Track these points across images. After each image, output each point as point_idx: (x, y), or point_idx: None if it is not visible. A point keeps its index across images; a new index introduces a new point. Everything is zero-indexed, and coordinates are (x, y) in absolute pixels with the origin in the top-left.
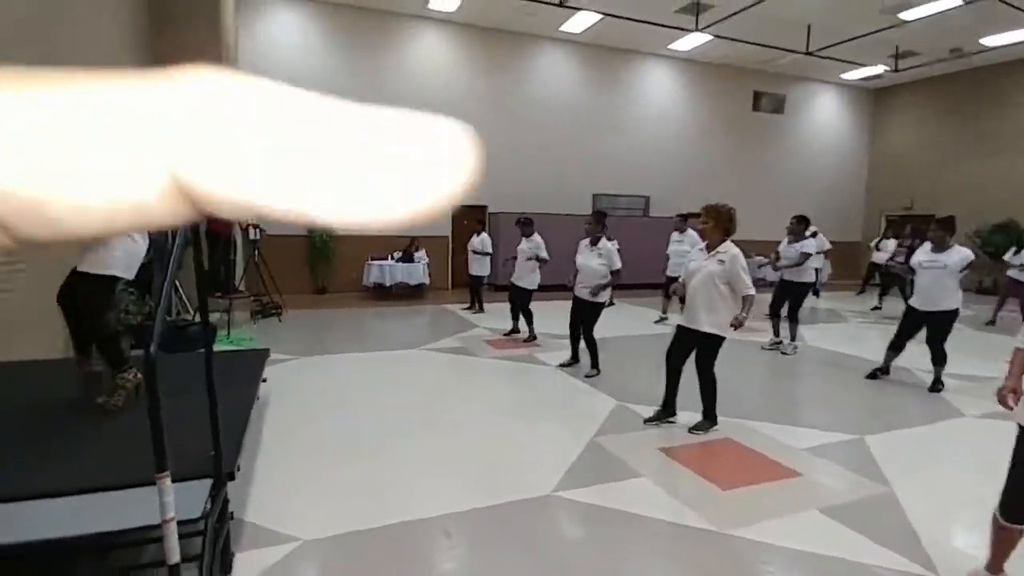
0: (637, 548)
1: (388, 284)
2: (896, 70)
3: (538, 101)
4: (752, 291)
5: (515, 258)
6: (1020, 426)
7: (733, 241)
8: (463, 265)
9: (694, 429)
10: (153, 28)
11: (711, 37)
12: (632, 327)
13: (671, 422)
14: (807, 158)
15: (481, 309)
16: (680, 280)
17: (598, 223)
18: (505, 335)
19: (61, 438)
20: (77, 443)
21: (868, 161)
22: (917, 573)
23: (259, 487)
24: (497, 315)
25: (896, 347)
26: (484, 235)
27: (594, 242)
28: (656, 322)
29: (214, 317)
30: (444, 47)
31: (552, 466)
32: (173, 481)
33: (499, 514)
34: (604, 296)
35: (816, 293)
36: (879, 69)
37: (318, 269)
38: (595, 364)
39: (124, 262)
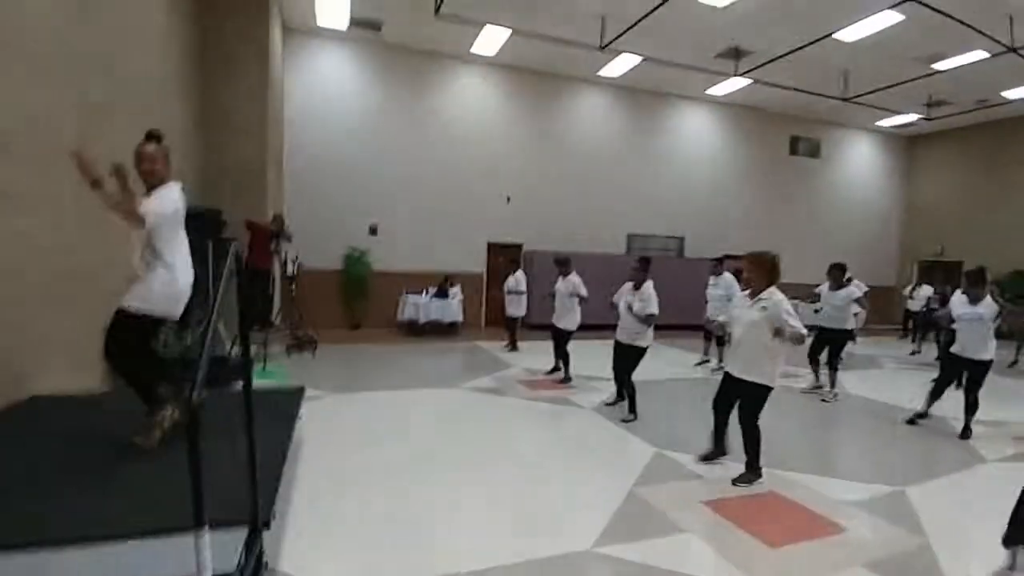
0: None
1: (421, 321)
2: (929, 118)
3: (575, 142)
4: (802, 330)
5: (552, 295)
6: None
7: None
8: (497, 303)
9: (738, 481)
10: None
11: (749, 82)
12: (670, 370)
13: (721, 461)
14: (842, 203)
15: (515, 348)
16: (719, 320)
17: (643, 269)
18: (546, 374)
19: (95, 478)
20: (110, 484)
21: (902, 207)
22: None
23: (292, 533)
24: (531, 354)
25: (937, 393)
26: (520, 273)
27: (637, 287)
28: (697, 364)
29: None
30: (485, 88)
31: (590, 518)
32: (187, 531)
33: (536, 571)
34: (646, 340)
35: (853, 339)
36: (912, 117)
37: (353, 304)
38: (632, 409)
39: (163, 300)
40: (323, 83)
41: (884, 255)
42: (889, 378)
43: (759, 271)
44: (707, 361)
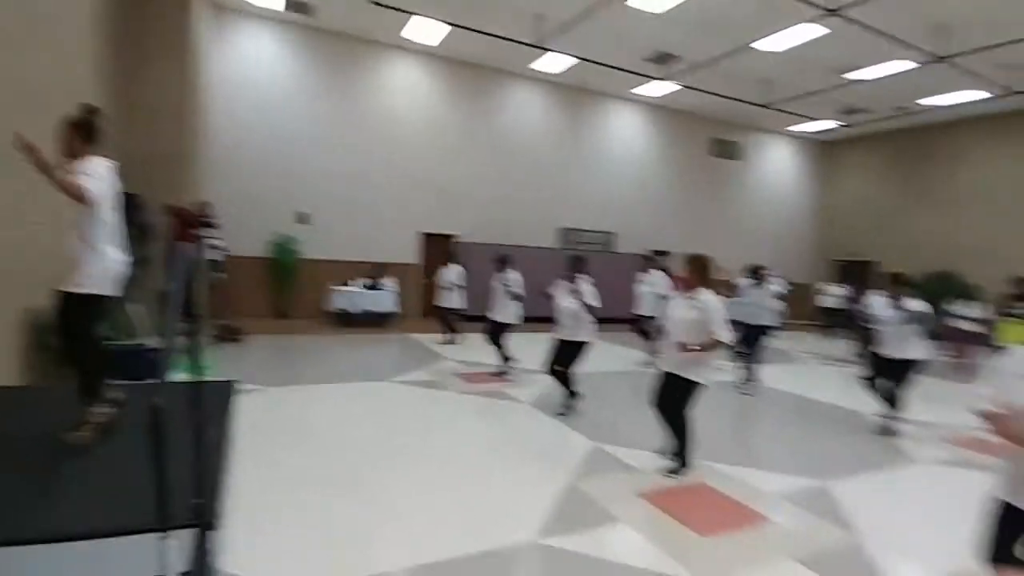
0: None
1: (354, 312)
2: (846, 125)
3: (510, 135)
4: (723, 337)
5: (491, 291)
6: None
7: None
8: (432, 294)
9: (669, 473)
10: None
11: (676, 86)
12: (603, 364)
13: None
14: (761, 203)
15: (452, 341)
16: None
17: (576, 267)
18: (497, 367)
19: (27, 479)
20: (46, 484)
21: (818, 208)
22: None
23: (231, 532)
24: (467, 347)
25: (873, 389)
26: (456, 266)
27: (573, 283)
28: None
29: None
30: (420, 77)
31: (531, 511)
32: (148, 532)
33: (481, 564)
34: (583, 336)
35: (770, 334)
36: (830, 124)
37: (280, 293)
38: (569, 404)
39: (102, 280)
40: (252, 65)
41: (799, 254)
42: (806, 372)
43: (694, 272)
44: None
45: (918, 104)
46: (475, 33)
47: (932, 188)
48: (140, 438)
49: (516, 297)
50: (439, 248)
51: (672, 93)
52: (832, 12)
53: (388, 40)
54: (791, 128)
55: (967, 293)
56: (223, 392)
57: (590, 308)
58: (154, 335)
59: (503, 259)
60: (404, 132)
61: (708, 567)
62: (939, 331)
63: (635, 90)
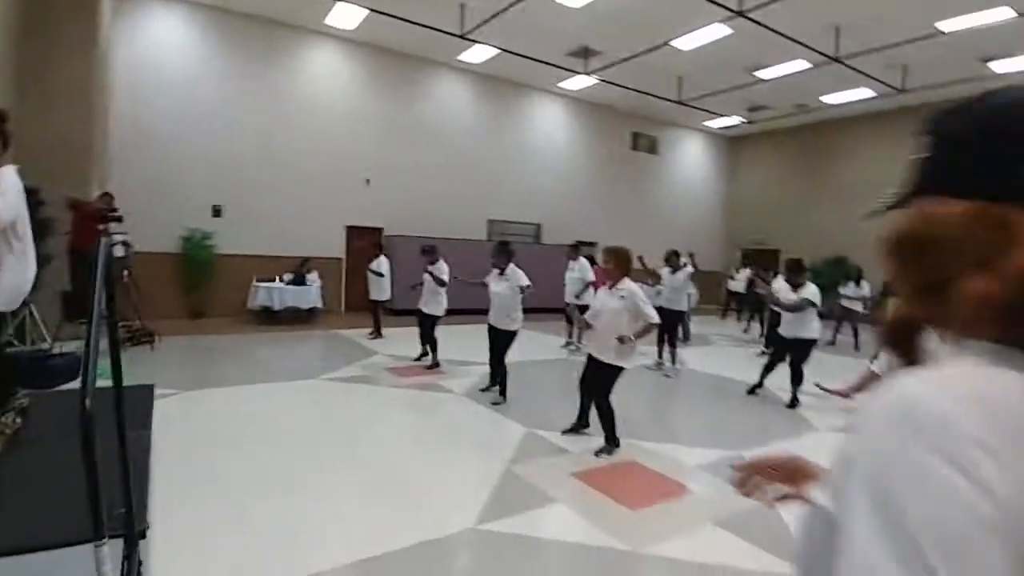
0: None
1: (277, 308)
2: (751, 122)
3: (437, 127)
4: (655, 320)
5: (421, 284)
6: None
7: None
8: (358, 288)
9: (599, 453)
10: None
11: (596, 80)
12: (534, 352)
13: (586, 433)
14: (677, 195)
15: (380, 335)
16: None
17: (503, 253)
18: (414, 360)
19: None
20: None
21: (727, 200)
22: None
23: (161, 540)
24: (397, 341)
25: (769, 367)
26: (383, 257)
27: (502, 272)
28: (564, 346)
29: (77, 346)
30: (343, 65)
31: (470, 498)
32: (71, 544)
33: (420, 554)
34: (516, 324)
35: (687, 317)
36: (736, 120)
37: (194, 291)
38: (503, 391)
39: (11, 292)
40: (162, 50)
41: (712, 243)
42: (720, 353)
43: (616, 263)
44: (572, 343)
45: (816, 102)
46: (398, 21)
47: (829, 180)
48: (52, 447)
49: (441, 283)
50: (366, 241)
51: (594, 87)
52: (739, 13)
53: (308, 24)
54: (704, 124)
55: (859, 276)
56: (142, 398)
57: (524, 289)
58: (57, 339)
59: (430, 250)
60: (327, 121)
61: (638, 537)
62: (833, 311)
63: (560, 84)
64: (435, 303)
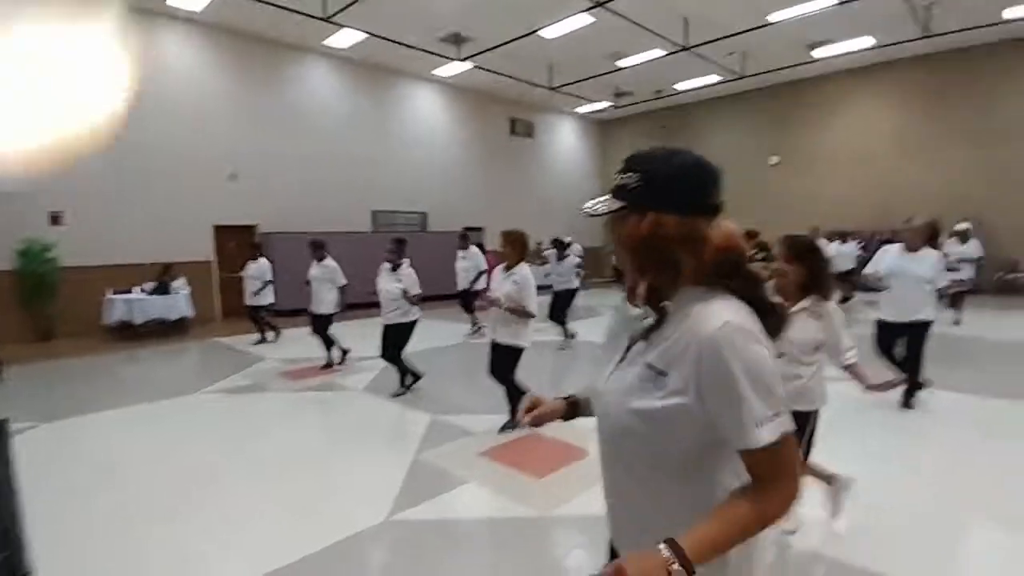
0: (480, 550)
1: (139, 322)
2: (617, 106)
3: (306, 115)
4: (533, 311)
5: (308, 283)
6: None
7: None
8: (233, 291)
9: (503, 429)
10: None
11: (471, 66)
12: (432, 340)
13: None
14: (555, 177)
15: (264, 340)
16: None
17: (397, 250)
18: (322, 368)
19: None
20: None
21: (601, 181)
22: None
23: None
24: (287, 343)
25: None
26: (262, 260)
27: (395, 268)
28: (471, 335)
29: None
30: (194, 50)
31: (380, 493)
32: None
33: (335, 554)
34: (413, 314)
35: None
36: (603, 104)
37: (38, 310)
38: (403, 383)
39: None
40: None
41: (593, 222)
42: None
43: (512, 247)
44: (478, 328)
45: (671, 88)
46: (250, 1)
47: None
48: None
49: (339, 287)
50: (240, 241)
51: (469, 74)
52: (599, 4)
53: (144, 4)
54: (576, 109)
55: None
56: None
57: (407, 294)
58: None
59: (319, 245)
60: (182, 113)
61: (546, 501)
62: None
63: (435, 71)
64: (327, 302)
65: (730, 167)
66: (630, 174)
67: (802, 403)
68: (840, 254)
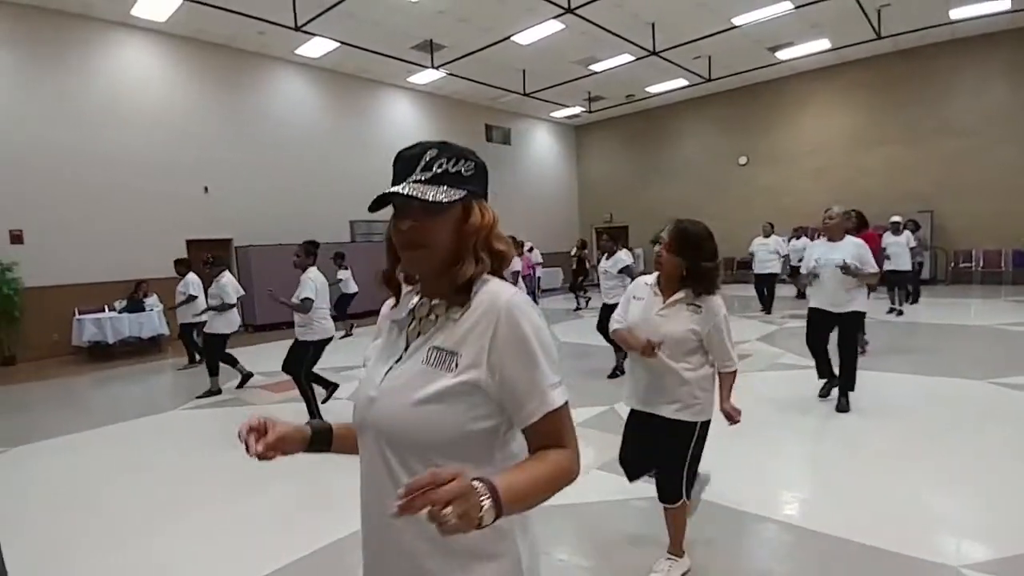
0: None
1: (111, 341)
2: (590, 111)
3: (280, 126)
4: None
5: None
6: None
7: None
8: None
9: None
10: None
11: (445, 74)
12: None
13: None
14: (531, 183)
15: (193, 363)
16: None
17: (305, 252)
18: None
19: None
20: None
21: (576, 185)
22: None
23: None
24: (263, 356)
25: (599, 329)
26: (189, 275)
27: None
28: None
29: None
30: (162, 62)
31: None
32: None
33: (316, 562)
34: (312, 334)
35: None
36: (577, 110)
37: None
38: (313, 410)
39: None
40: None
41: (568, 224)
42: (581, 324)
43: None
44: None
45: (642, 92)
46: (215, 10)
47: (660, 162)
48: None
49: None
50: (214, 253)
51: (444, 81)
52: (568, 10)
53: (107, 16)
54: (551, 114)
55: None
56: None
57: (304, 301)
58: None
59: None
60: (151, 127)
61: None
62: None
63: (410, 78)
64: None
65: (702, 168)
66: (463, 161)
67: (686, 412)
68: (795, 250)
